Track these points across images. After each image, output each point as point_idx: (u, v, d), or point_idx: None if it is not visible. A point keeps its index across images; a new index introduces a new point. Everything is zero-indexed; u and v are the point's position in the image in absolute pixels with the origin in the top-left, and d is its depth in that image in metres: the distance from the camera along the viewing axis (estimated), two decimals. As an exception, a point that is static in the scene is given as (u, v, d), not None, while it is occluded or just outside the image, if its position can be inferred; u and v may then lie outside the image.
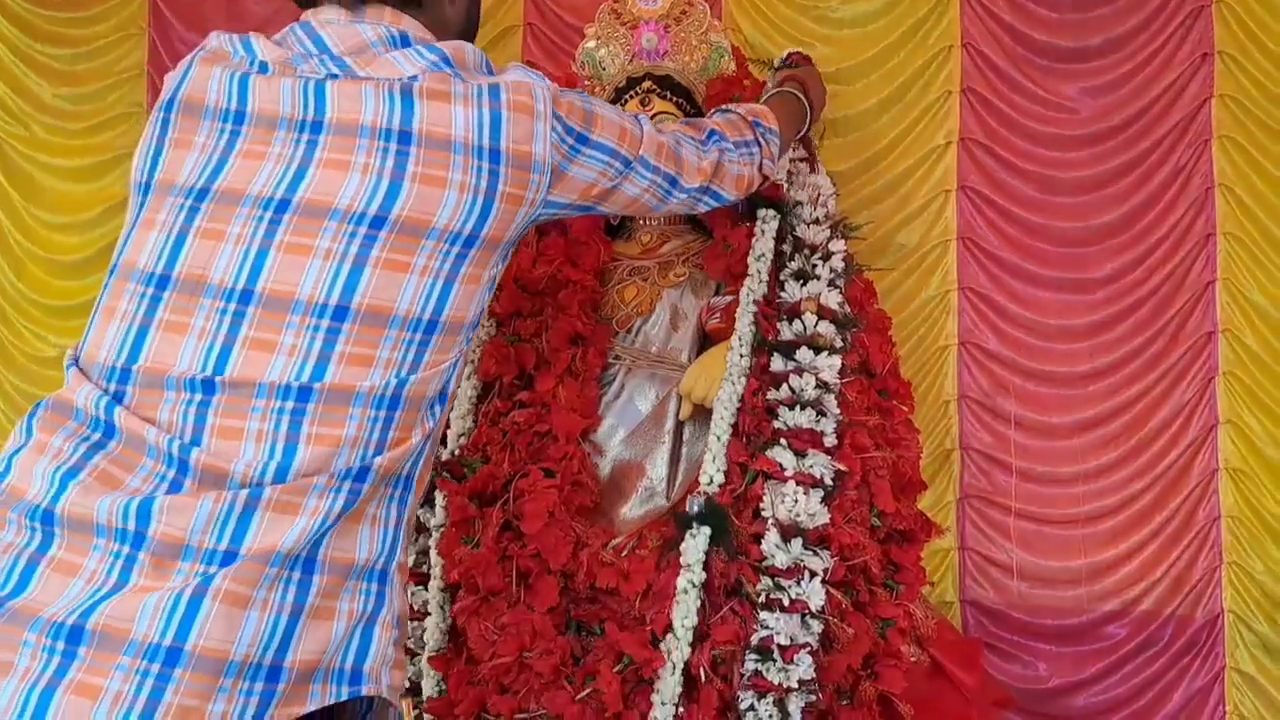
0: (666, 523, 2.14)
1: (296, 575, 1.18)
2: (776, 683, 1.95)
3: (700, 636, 1.98)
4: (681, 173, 1.59)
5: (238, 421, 1.20)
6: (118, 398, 1.22)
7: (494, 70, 1.38)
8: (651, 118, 2.16)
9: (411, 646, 2.22)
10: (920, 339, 3.05)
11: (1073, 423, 3.00)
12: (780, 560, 2.01)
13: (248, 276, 1.23)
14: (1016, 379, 3.03)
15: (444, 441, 2.24)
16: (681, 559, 2.01)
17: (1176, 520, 2.95)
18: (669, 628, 1.98)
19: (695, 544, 2.01)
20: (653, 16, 2.41)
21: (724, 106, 1.85)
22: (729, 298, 2.26)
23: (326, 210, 1.24)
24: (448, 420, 2.18)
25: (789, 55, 2.40)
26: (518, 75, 1.36)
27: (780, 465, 2.07)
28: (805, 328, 2.17)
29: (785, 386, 2.13)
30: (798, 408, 2.11)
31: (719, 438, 2.10)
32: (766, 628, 1.98)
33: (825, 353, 2.15)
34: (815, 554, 2.02)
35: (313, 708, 1.19)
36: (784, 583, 2.00)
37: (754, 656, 1.98)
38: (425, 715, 2.19)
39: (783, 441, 2.09)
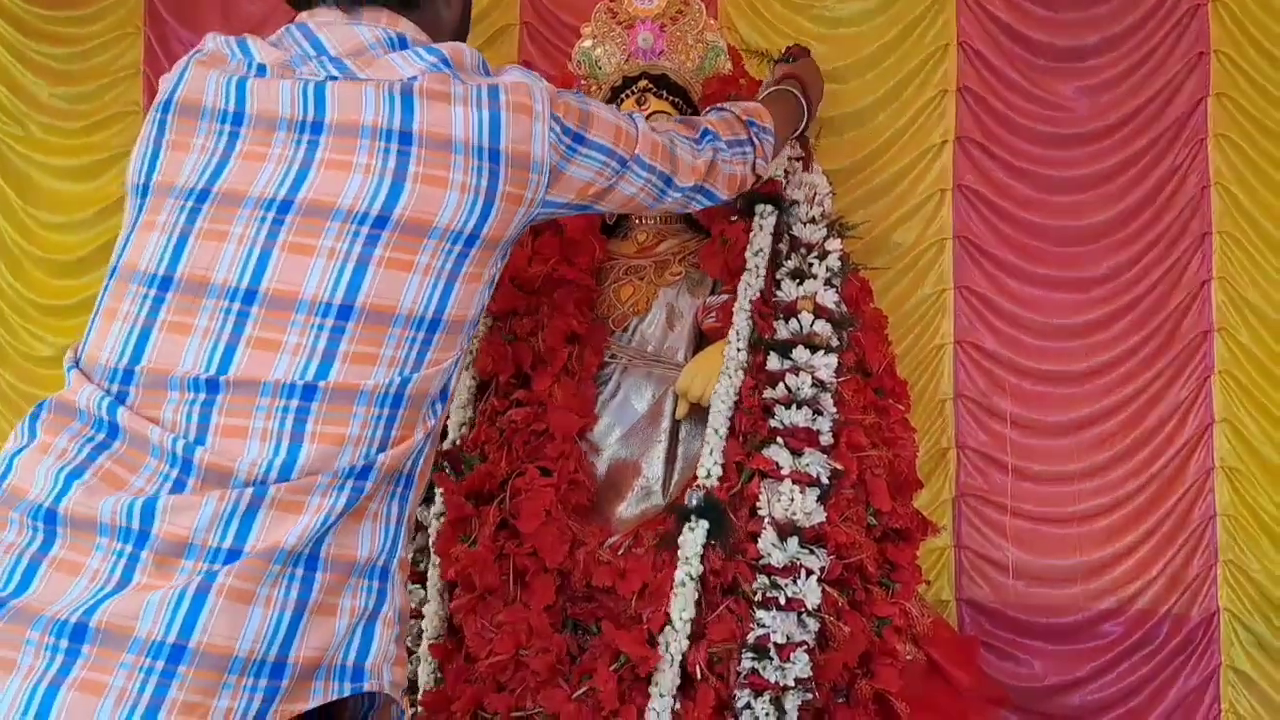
0: (663, 521, 2.14)
1: (300, 572, 1.18)
2: (773, 681, 1.96)
3: (697, 634, 1.99)
4: (676, 172, 1.60)
5: (242, 420, 1.20)
6: (121, 398, 1.23)
7: (491, 71, 1.38)
8: (647, 117, 2.17)
9: (409, 645, 2.22)
10: (916, 338, 3.05)
11: (1069, 421, 3.00)
12: (777, 559, 2.01)
13: (251, 276, 1.23)
14: (1012, 378, 3.03)
15: (443, 433, 2.25)
16: (679, 552, 2.02)
17: (1172, 519, 2.95)
18: (666, 625, 1.98)
19: (693, 537, 2.02)
20: (649, 16, 2.41)
21: (720, 105, 1.86)
22: (725, 297, 2.26)
23: (329, 210, 1.25)
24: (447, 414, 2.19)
25: (788, 50, 2.41)
26: (516, 76, 1.37)
27: (777, 464, 2.08)
28: (802, 326, 2.17)
29: (782, 385, 2.14)
30: (794, 406, 2.11)
31: (716, 431, 2.10)
32: (763, 626, 1.98)
33: (822, 351, 2.15)
34: (812, 552, 2.03)
35: (315, 704, 1.19)
36: (780, 581, 2.00)
37: (750, 655, 1.98)
38: (420, 709, 2.19)
39: (779, 440, 2.09)
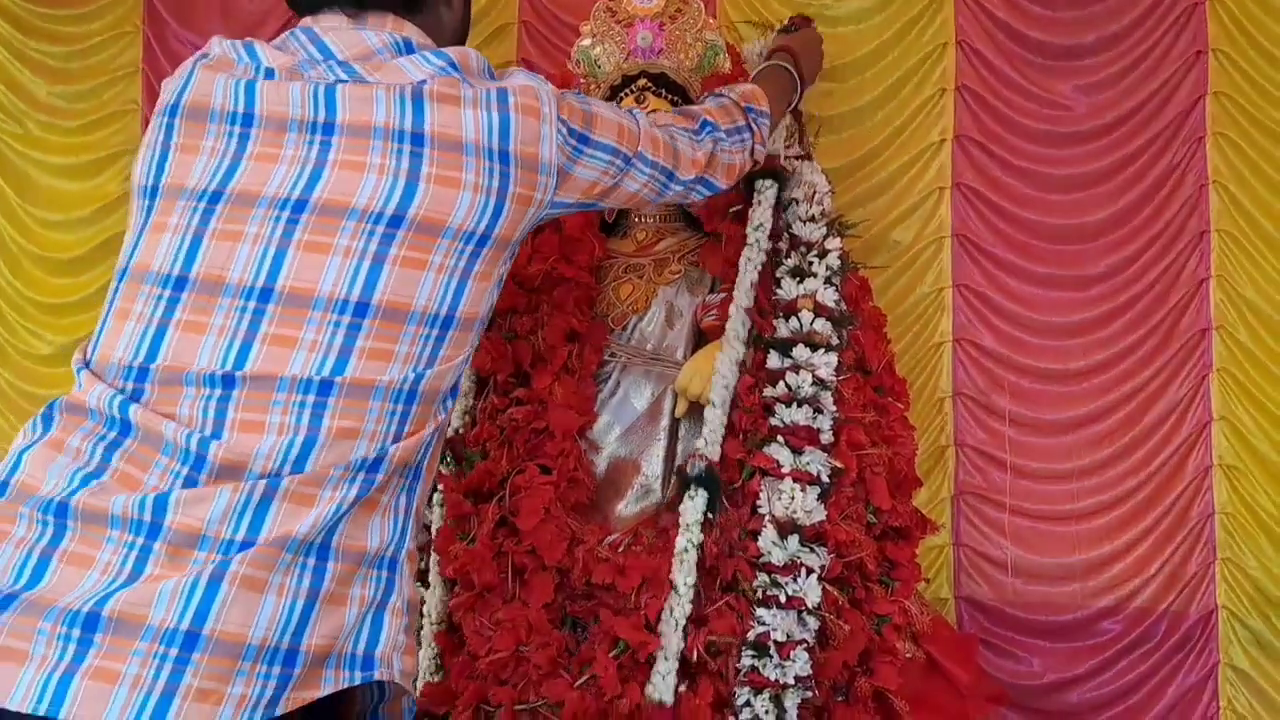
0: (662, 519, 2.15)
1: (311, 562, 1.20)
2: (773, 679, 1.96)
3: (698, 620, 1.99)
4: (678, 166, 1.63)
5: (259, 415, 1.22)
6: (135, 396, 1.24)
7: (495, 75, 1.41)
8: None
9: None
10: (915, 336, 3.05)
11: (1067, 419, 3.00)
12: (777, 557, 2.02)
13: (267, 275, 1.25)
14: (1011, 376, 3.03)
15: (445, 426, 2.25)
16: (680, 520, 2.04)
17: (1170, 516, 2.96)
18: (669, 593, 1.99)
19: (694, 505, 2.04)
20: (648, 14, 2.40)
21: (717, 90, 1.88)
22: (724, 295, 2.27)
23: (344, 210, 1.27)
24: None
25: (791, 20, 2.42)
26: (522, 80, 1.39)
27: (777, 462, 2.08)
28: (802, 325, 2.18)
29: (782, 383, 2.14)
30: (794, 405, 2.12)
31: (717, 404, 2.11)
32: (763, 624, 1.99)
33: (822, 350, 2.16)
34: (812, 550, 2.04)
35: (326, 692, 1.20)
36: (781, 579, 2.01)
37: (750, 652, 1.99)
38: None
39: (779, 438, 2.10)
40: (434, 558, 2.23)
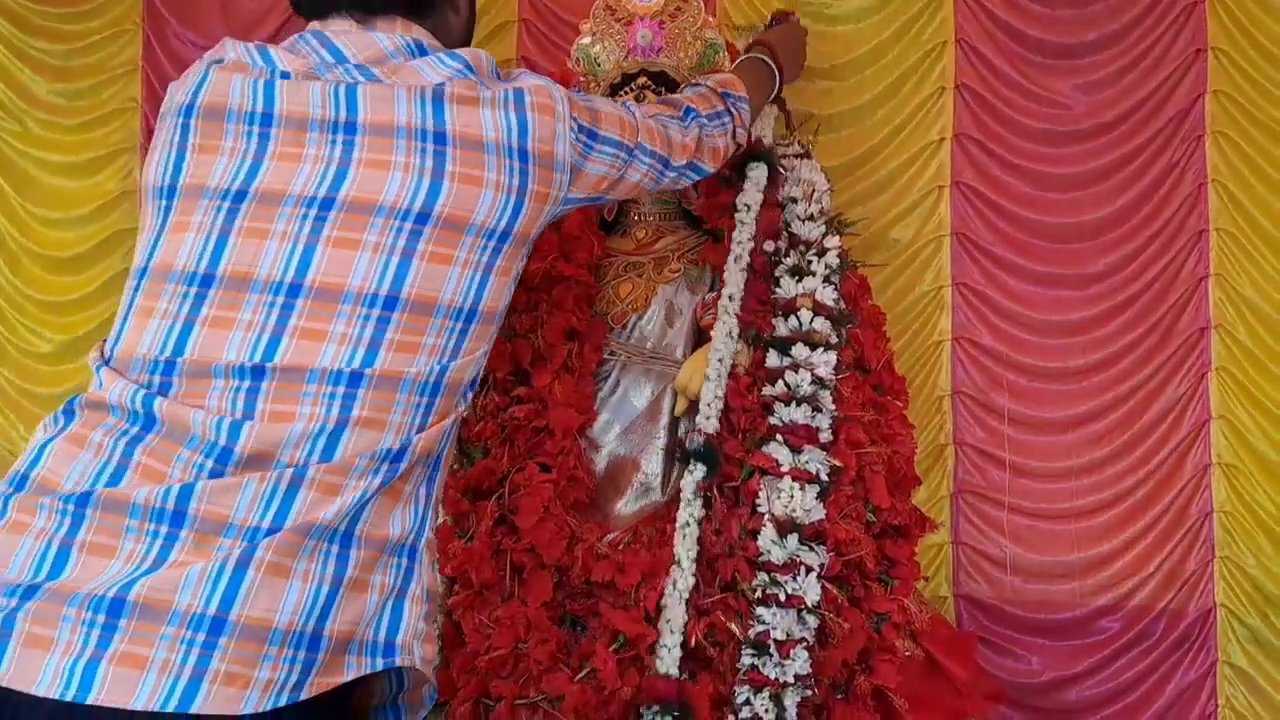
0: (661, 517, 2.15)
1: (335, 549, 1.22)
2: (772, 677, 1.96)
3: (699, 612, 2.00)
4: (671, 153, 1.68)
5: (289, 406, 1.24)
6: (163, 389, 1.26)
7: (501, 75, 1.43)
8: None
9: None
10: (914, 334, 3.05)
11: (1066, 418, 3.01)
12: (776, 556, 2.02)
13: (296, 270, 1.27)
14: (1010, 374, 3.03)
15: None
16: (681, 494, 2.06)
17: (1169, 515, 2.96)
18: (671, 566, 2.01)
19: (692, 479, 2.07)
20: (647, 13, 2.41)
21: (694, 81, 1.95)
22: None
23: (372, 207, 1.29)
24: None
25: (773, 15, 2.44)
26: (534, 80, 1.43)
27: (776, 461, 2.09)
28: (801, 324, 2.18)
29: (781, 382, 2.14)
30: (793, 403, 2.12)
31: (712, 377, 2.12)
32: (763, 623, 1.99)
33: (821, 349, 2.16)
34: (811, 549, 2.04)
35: (349, 678, 1.22)
36: (780, 578, 2.01)
37: (750, 651, 1.99)
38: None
39: (779, 437, 2.10)
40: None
